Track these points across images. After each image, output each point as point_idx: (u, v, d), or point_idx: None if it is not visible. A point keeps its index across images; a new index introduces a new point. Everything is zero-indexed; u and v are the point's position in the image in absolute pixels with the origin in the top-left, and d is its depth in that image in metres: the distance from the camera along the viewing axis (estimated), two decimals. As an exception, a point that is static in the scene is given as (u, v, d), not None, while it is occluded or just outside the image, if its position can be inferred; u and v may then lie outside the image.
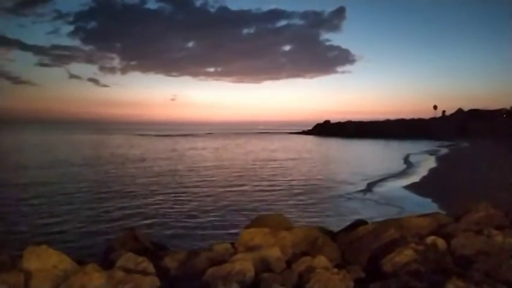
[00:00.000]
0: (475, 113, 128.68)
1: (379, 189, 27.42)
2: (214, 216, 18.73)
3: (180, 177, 32.60)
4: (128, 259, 5.36)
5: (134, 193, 24.54)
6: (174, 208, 20.41)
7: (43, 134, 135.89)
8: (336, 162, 48.41)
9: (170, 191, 25.65)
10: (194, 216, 18.57)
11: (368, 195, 24.99)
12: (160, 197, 23.35)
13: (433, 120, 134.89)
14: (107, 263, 5.81)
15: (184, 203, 21.75)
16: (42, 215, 18.50)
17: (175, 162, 44.33)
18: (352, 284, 4.84)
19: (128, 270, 4.90)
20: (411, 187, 27.63)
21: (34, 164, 39.38)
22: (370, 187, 27.89)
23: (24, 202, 21.20)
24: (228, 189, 26.60)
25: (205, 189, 26.37)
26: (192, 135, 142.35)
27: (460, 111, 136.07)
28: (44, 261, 4.59)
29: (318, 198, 23.50)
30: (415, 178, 32.23)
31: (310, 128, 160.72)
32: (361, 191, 26.34)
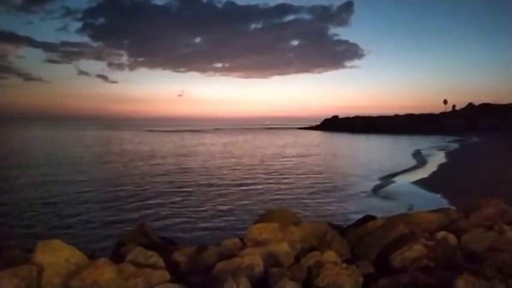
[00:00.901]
0: (485, 107, 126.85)
1: (387, 185, 27.26)
2: (229, 218, 18.04)
3: (191, 174, 32.71)
4: (137, 253, 5.42)
5: (148, 192, 24.45)
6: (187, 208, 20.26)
7: (54, 130, 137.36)
8: (345, 158, 48.16)
9: (183, 189, 25.42)
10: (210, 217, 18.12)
11: (377, 191, 24.87)
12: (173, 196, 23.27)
13: (443, 115, 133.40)
14: (117, 258, 5.87)
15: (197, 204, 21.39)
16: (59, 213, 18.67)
17: (185, 159, 44.22)
18: (361, 279, 4.83)
19: (138, 264, 4.95)
20: (420, 183, 27.42)
21: (48, 162, 39.58)
22: (379, 184, 27.71)
23: (39, 201, 21.07)
24: (242, 188, 26.08)
25: (218, 187, 26.02)
26: (199, 131, 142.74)
27: (470, 105, 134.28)
28: (56, 255, 4.66)
29: (335, 197, 23.16)
30: (424, 174, 31.97)
31: (318, 124, 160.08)
32: (372, 188, 26.09)
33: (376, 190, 25.27)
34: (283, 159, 44.55)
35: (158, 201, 21.43)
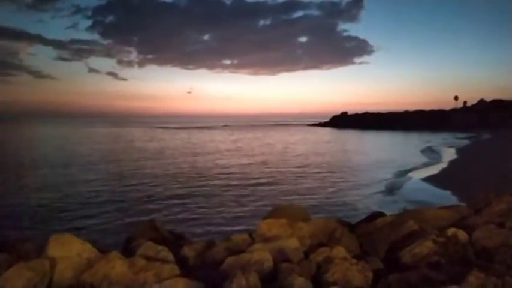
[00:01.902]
0: (497, 103, 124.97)
1: (398, 182, 27.08)
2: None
3: (204, 169, 32.78)
4: (148, 248, 5.47)
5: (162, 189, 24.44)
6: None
7: (63, 127, 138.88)
8: (356, 154, 47.92)
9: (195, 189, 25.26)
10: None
11: (381, 189, 24.75)
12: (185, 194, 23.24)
13: (453, 111, 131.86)
14: (127, 252, 5.94)
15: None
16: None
17: (196, 157, 44.19)
18: (370, 274, 4.82)
19: (148, 259, 5.01)
20: (430, 179, 27.21)
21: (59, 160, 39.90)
22: (390, 182, 27.52)
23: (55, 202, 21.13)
24: (258, 187, 25.65)
25: (233, 188, 25.64)
26: (208, 127, 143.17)
27: (482, 101, 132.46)
28: (68, 249, 4.73)
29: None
30: (434, 170, 31.71)
31: (326, 120, 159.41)
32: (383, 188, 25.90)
33: (387, 188, 25.12)
34: (296, 157, 44.25)
35: (174, 201, 21.24)
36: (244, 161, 39.94)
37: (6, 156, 42.79)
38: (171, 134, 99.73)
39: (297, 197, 22.42)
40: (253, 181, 27.73)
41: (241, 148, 55.64)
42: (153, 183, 26.21)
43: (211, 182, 27.30)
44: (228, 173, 31.24)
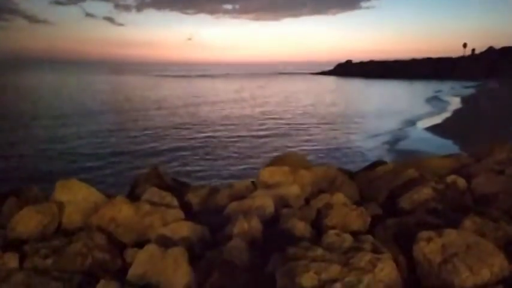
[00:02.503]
0: (507, 51, 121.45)
1: (399, 132, 27.10)
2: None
3: (207, 120, 32.57)
4: (152, 193, 5.61)
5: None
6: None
7: (61, 74, 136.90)
8: (361, 105, 47.51)
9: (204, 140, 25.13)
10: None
11: (387, 138, 24.82)
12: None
13: (461, 59, 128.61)
14: (132, 198, 6.11)
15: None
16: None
17: (199, 107, 43.60)
18: (369, 219, 4.96)
19: (153, 204, 5.15)
20: (433, 129, 27.20)
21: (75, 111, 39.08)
22: (392, 131, 27.55)
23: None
24: (264, 139, 25.46)
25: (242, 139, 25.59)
26: (209, 76, 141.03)
27: (491, 49, 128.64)
28: (75, 193, 4.86)
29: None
30: (437, 120, 31.60)
31: (331, 69, 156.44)
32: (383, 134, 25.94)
33: (390, 138, 25.16)
34: (301, 107, 43.73)
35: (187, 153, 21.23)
36: (248, 111, 39.59)
37: (7, 105, 42.51)
38: (171, 82, 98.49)
39: (304, 147, 22.51)
40: (261, 132, 27.53)
41: (244, 98, 55.05)
42: (156, 135, 26.16)
43: (216, 134, 27.12)
44: (232, 124, 31.04)
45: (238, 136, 26.18)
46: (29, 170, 17.49)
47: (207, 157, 20.40)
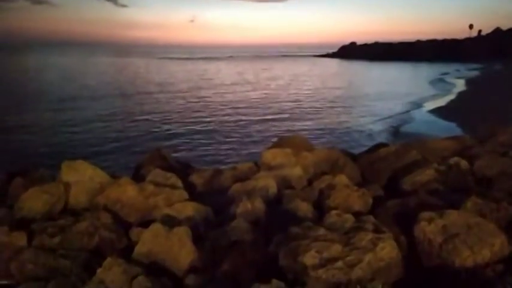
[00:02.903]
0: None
1: (403, 115, 26.97)
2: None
3: (213, 103, 32.17)
4: (157, 174, 5.67)
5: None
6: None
7: (64, 57, 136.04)
8: (365, 87, 47.12)
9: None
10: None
11: (390, 121, 24.73)
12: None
13: (467, 40, 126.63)
14: (137, 179, 6.17)
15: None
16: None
17: (204, 90, 42.70)
18: (370, 200, 5.00)
19: (157, 184, 5.21)
20: (436, 111, 27.05)
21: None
22: (396, 114, 27.41)
23: None
24: (270, 122, 25.11)
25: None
26: (213, 58, 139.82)
27: (497, 30, 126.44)
28: (81, 174, 4.93)
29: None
30: (441, 102, 31.39)
31: (334, 51, 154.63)
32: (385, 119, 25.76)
33: (394, 121, 25.03)
34: (306, 91, 43.14)
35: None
36: (253, 95, 39.01)
37: (11, 87, 42.33)
38: (175, 65, 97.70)
39: (309, 127, 22.36)
40: (268, 116, 27.05)
41: (248, 81, 54.47)
42: (163, 119, 25.68)
43: (222, 118, 26.58)
44: (237, 108, 30.55)
45: (247, 120, 25.80)
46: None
47: (212, 141, 20.27)
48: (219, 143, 19.68)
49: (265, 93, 40.05)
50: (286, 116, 27.46)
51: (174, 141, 20.27)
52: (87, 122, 24.64)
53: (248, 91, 42.59)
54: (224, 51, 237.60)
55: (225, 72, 72.64)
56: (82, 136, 21.16)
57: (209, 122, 25.20)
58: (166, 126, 23.71)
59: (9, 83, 46.28)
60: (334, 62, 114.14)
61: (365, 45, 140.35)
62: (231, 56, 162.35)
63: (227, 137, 21.05)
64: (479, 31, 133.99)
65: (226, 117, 26.89)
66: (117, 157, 17.10)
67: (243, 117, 26.81)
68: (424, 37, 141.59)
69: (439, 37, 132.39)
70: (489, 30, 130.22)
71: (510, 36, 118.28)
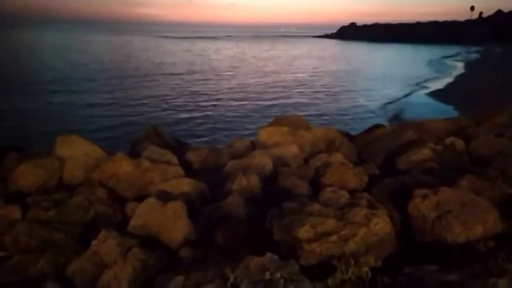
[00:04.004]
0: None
1: (401, 97, 26.85)
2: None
3: (216, 87, 31.49)
4: (152, 151, 5.65)
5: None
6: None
7: (60, 34, 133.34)
8: (364, 69, 46.69)
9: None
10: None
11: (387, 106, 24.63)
12: None
13: (468, 22, 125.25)
14: (133, 155, 6.15)
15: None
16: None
17: (207, 74, 41.25)
18: (366, 178, 5.01)
19: (153, 161, 5.19)
20: (434, 94, 26.97)
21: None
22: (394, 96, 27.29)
23: None
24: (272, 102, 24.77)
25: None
26: (212, 38, 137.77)
27: (499, 12, 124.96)
28: (76, 149, 4.89)
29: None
30: (439, 85, 31.25)
31: (334, 32, 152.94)
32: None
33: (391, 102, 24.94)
34: (307, 73, 42.33)
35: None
36: (251, 79, 37.76)
37: (12, 66, 41.09)
38: (173, 44, 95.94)
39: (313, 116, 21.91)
40: (268, 102, 26.28)
41: (249, 62, 53.38)
42: (166, 102, 24.79)
43: (226, 103, 25.29)
44: (239, 91, 29.52)
45: (247, 105, 24.99)
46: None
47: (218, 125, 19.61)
48: (221, 129, 19.09)
49: (267, 79, 38.44)
50: (286, 100, 26.82)
51: (178, 127, 19.40)
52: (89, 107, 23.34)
53: (248, 74, 41.17)
54: (222, 31, 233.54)
55: (226, 54, 70.66)
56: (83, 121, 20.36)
57: (212, 105, 24.17)
58: (168, 112, 22.60)
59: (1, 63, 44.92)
60: (334, 43, 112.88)
61: (365, 26, 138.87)
62: (229, 36, 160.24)
63: (232, 122, 20.20)
64: (480, 13, 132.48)
65: (232, 102, 25.65)
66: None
67: (247, 102, 25.71)
68: (424, 19, 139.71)
69: (440, 19, 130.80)
70: (490, 13, 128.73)
71: (511, 18, 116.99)
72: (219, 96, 27.80)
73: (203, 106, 23.82)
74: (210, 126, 19.46)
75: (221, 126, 19.18)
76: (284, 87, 32.09)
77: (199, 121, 20.27)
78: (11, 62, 44.85)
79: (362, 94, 28.70)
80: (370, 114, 22.09)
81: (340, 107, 24.09)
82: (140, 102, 24.97)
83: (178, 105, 24.14)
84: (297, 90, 30.77)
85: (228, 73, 41.51)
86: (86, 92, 28.00)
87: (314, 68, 46.71)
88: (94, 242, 3.23)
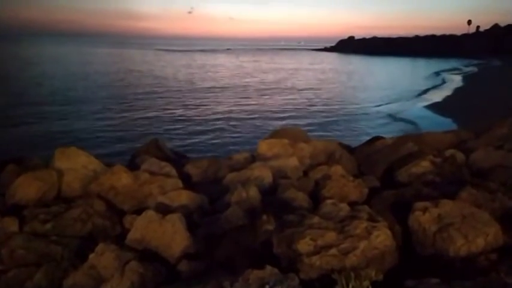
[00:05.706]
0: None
1: (398, 109, 26.94)
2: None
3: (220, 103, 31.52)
4: (152, 163, 5.63)
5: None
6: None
7: (61, 47, 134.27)
8: (363, 81, 46.93)
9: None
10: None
11: (386, 115, 24.70)
12: None
13: (465, 36, 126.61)
14: (132, 167, 6.13)
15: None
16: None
17: (211, 92, 40.62)
18: (366, 190, 4.99)
19: (152, 173, 5.17)
20: (433, 107, 27.06)
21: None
22: (390, 107, 27.41)
23: None
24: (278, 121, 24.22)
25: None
26: (211, 51, 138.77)
27: (496, 26, 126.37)
28: (74, 161, 4.87)
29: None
30: (437, 98, 31.39)
31: (333, 45, 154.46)
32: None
33: (390, 116, 24.97)
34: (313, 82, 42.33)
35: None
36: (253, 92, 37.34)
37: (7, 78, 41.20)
38: (175, 59, 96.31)
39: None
40: (275, 115, 25.92)
41: (248, 75, 53.58)
42: (169, 115, 24.51)
43: (234, 115, 24.71)
44: (242, 105, 29.22)
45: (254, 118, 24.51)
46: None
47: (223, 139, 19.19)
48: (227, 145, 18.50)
49: (270, 88, 38.02)
50: (294, 114, 26.28)
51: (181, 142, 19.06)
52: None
53: (250, 88, 40.34)
54: (222, 44, 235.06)
55: (227, 66, 70.67)
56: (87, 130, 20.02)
57: (217, 119, 23.63)
58: (173, 126, 22.15)
59: (5, 75, 44.76)
60: (333, 56, 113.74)
61: (363, 40, 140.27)
62: (229, 49, 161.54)
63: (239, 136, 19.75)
64: (478, 27, 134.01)
65: (235, 114, 24.99)
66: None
67: (253, 116, 25.23)
68: (422, 32, 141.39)
69: (437, 33, 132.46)
70: (487, 27, 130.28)
71: (508, 32, 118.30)
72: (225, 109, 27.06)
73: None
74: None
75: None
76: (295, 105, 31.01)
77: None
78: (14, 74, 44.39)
79: (360, 108, 28.72)
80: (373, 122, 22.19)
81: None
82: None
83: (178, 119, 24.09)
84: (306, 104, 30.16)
85: (235, 89, 39.91)
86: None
87: (320, 83, 46.14)
88: (91, 255, 3.19)
